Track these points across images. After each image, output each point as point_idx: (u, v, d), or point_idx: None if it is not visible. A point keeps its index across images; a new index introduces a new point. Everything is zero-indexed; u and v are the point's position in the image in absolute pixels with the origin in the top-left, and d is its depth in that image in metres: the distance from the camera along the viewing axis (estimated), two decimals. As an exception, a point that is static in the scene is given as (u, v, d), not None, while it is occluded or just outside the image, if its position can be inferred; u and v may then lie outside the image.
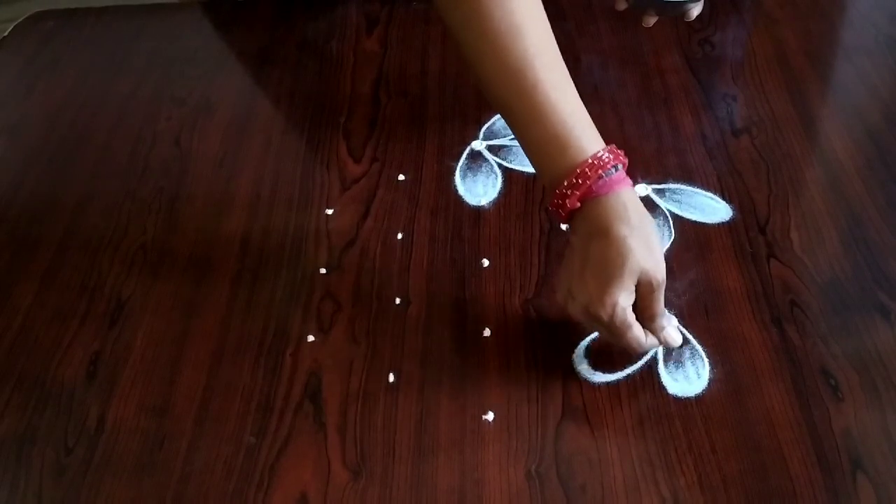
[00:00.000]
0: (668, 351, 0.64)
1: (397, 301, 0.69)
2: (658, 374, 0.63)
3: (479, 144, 0.81)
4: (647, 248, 0.58)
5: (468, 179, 0.79)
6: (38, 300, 0.72)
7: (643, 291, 0.59)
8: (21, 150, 0.87)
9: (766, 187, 0.75)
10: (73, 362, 0.67)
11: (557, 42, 0.62)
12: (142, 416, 0.63)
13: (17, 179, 0.83)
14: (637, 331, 0.59)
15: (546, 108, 0.59)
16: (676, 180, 0.77)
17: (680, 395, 0.62)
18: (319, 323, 0.68)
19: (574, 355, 0.64)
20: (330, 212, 0.77)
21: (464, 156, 0.81)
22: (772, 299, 0.67)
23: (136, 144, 0.85)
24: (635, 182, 0.76)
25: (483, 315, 0.67)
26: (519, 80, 0.60)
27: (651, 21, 0.83)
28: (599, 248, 0.58)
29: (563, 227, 0.71)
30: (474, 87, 0.84)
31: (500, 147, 0.81)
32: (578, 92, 0.61)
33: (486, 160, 0.80)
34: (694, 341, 0.65)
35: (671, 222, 0.73)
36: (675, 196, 0.75)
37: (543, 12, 0.62)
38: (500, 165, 0.79)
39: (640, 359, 0.64)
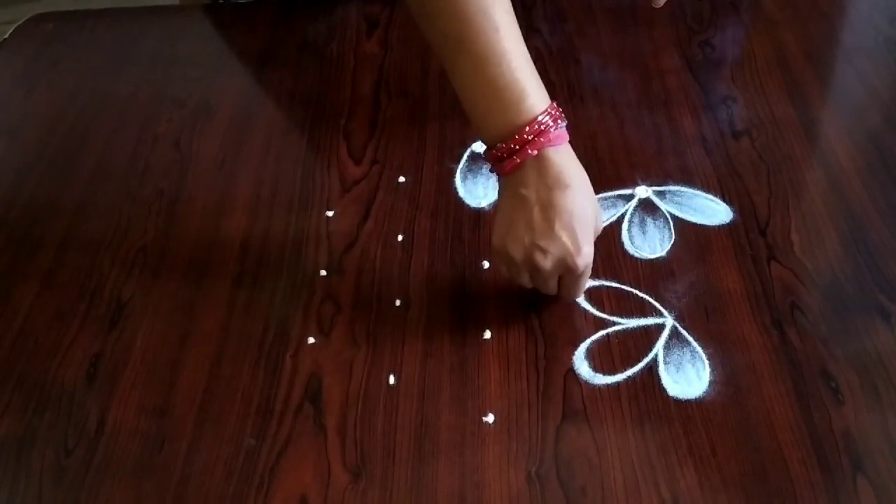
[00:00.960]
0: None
1: (398, 303, 0.69)
2: (658, 376, 0.63)
3: (479, 146, 0.81)
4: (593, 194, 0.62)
5: (469, 181, 0.79)
6: (38, 302, 0.72)
7: None
8: (21, 152, 0.87)
9: (767, 189, 0.75)
10: (74, 364, 0.67)
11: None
12: (142, 417, 0.63)
13: (18, 181, 0.83)
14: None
15: (508, 52, 0.59)
16: (676, 182, 0.77)
17: (680, 396, 0.62)
18: (320, 325, 0.68)
19: (574, 357, 0.64)
20: (330, 213, 0.76)
21: (464, 158, 0.81)
22: (772, 301, 0.67)
23: (137, 146, 0.85)
24: (636, 184, 0.76)
25: (483, 317, 0.67)
26: (481, 21, 0.59)
27: (661, 1, 0.80)
28: (566, 198, 0.59)
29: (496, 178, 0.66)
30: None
31: (501, 149, 0.81)
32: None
33: (486, 162, 0.80)
34: (694, 343, 0.65)
35: (671, 224, 0.73)
36: (675, 198, 0.75)
37: None
38: (500, 167, 0.79)
39: (640, 359, 0.64)
